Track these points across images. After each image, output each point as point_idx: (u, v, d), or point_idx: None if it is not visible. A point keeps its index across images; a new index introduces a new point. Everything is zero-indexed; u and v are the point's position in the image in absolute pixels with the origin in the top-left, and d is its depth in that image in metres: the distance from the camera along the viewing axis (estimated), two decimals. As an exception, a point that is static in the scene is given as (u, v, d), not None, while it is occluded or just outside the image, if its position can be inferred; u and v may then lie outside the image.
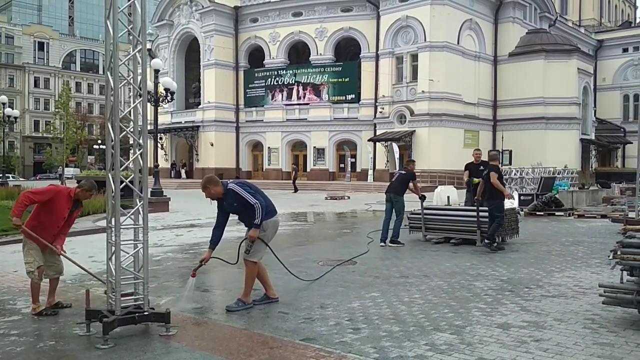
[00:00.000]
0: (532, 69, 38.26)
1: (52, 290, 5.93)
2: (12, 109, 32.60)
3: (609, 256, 6.73)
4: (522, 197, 17.53)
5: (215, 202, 5.77)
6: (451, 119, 36.42)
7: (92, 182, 5.93)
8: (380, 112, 38.57)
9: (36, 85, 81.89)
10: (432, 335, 4.81)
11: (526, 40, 40.08)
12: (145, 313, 4.93)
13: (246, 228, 5.84)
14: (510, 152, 35.98)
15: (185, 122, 45.74)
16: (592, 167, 43.00)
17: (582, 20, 56.18)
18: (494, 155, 10.64)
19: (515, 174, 20.56)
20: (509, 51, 39.73)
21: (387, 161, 37.65)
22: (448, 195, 15.89)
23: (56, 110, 41.97)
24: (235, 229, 8.99)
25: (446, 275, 7.49)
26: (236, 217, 5.94)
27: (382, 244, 10.23)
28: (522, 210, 15.07)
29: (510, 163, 33.59)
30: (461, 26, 37.18)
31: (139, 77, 4.96)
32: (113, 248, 4.87)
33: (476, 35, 38.69)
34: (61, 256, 5.96)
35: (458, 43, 36.90)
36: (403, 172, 10.99)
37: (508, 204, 15.54)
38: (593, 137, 43.91)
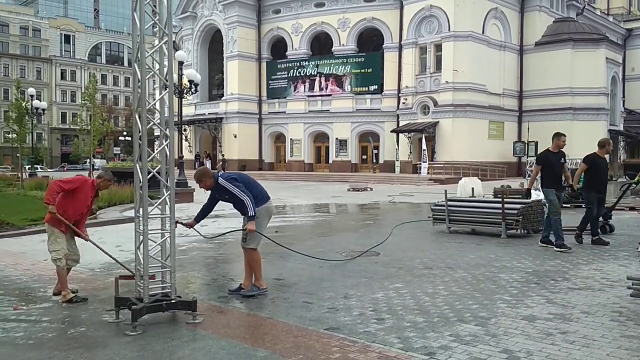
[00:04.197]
0: (559, 59, 37.53)
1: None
2: (40, 101, 33.24)
3: (637, 248, 6.62)
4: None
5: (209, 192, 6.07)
6: (476, 109, 35.98)
7: (110, 172, 6.49)
8: (404, 103, 38.30)
9: (63, 77, 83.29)
10: (457, 327, 4.81)
11: (553, 29, 39.30)
12: (173, 301, 5.03)
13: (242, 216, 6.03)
14: (536, 143, 35.36)
15: (209, 113, 46.06)
16: (620, 159, 42.12)
17: (610, 9, 54.84)
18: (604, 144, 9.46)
19: (541, 166, 20.24)
20: (535, 40, 39.01)
21: (410, 152, 37.42)
22: (472, 187, 15.72)
23: (83, 102, 42.58)
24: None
25: (470, 267, 7.44)
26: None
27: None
28: (548, 202, 14.85)
29: (536, 154, 33.07)
30: (486, 15, 36.61)
31: (165, 69, 5.03)
32: (141, 237, 4.96)
33: (502, 25, 38.07)
34: (85, 244, 6.21)
35: (483, 32, 36.37)
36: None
37: (534, 195, 15.38)
38: (621, 128, 42.97)
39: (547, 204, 9.15)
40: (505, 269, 7.30)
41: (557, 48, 37.80)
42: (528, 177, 20.69)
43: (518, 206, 10.19)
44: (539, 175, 9.14)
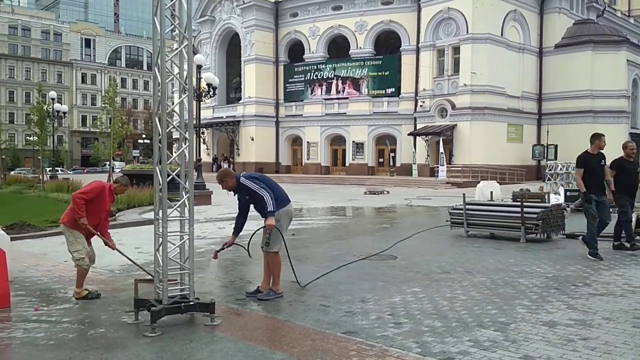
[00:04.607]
0: (579, 61, 37.07)
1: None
2: (61, 105, 33.77)
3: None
4: (568, 193, 17.02)
5: (233, 194, 6.05)
6: (494, 112, 35.69)
7: (127, 178, 6.71)
8: (421, 105, 38.14)
9: (83, 81, 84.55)
10: (476, 332, 4.76)
11: (573, 31, 38.84)
12: (191, 303, 5.06)
13: (263, 219, 6.02)
14: (556, 146, 35.01)
15: (227, 116, 46.35)
16: (641, 162, 41.38)
17: (631, 10, 54.03)
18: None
19: (561, 169, 20.00)
20: (554, 42, 38.59)
21: (427, 156, 37.24)
22: (491, 191, 15.58)
23: (103, 105, 43.16)
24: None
25: (489, 271, 7.38)
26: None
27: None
28: (568, 207, 14.65)
29: (555, 158, 32.70)
30: (505, 17, 36.32)
31: (185, 73, 5.07)
32: (160, 239, 5.00)
33: (520, 27, 37.73)
34: (103, 244, 6.34)
35: (502, 35, 36.08)
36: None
37: (553, 199, 15.19)
38: (643, 131, 42.24)
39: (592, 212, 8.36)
40: (525, 273, 7.21)
41: (577, 50, 37.34)
42: (548, 180, 20.44)
43: (538, 210, 10.08)
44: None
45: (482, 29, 34.86)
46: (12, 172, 49.24)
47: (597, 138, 8.58)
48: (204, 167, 28.08)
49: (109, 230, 6.50)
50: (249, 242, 6.27)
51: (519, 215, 10.01)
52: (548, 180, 20.38)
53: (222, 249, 6.03)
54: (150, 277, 6.24)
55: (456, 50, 36.34)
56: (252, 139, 44.32)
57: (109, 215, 6.53)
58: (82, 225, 5.99)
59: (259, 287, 6.15)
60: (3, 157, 53.03)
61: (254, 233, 6.29)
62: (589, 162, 8.39)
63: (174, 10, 5.20)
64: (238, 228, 6.07)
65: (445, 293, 6.16)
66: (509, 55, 36.55)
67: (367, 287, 6.50)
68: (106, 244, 6.29)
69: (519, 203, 10.33)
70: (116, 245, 6.35)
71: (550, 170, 20.62)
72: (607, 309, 5.46)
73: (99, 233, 6.21)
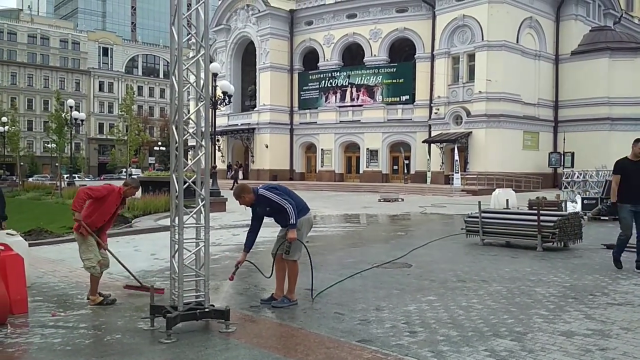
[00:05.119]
0: (596, 68, 36.74)
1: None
2: (79, 112, 34.22)
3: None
4: (585, 201, 16.83)
5: (249, 209, 6.00)
6: (510, 119, 35.46)
7: (137, 180, 6.84)
8: (436, 113, 38.03)
9: (101, 89, 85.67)
10: (492, 341, 4.72)
11: (589, 38, 38.53)
12: (206, 310, 5.08)
13: (280, 228, 6.03)
14: (573, 154, 34.66)
15: (242, 124, 46.61)
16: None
17: (649, 17, 53.41)
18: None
19: (578, 177, 19.78)
20: (571, 50, 38.30)
21: (442, 163, 37.08)
22: (507, 199, 15.45)
23: (120, 113, 43.67)
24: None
25: (505, 280, 7.31)
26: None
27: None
28: (585, 215, 14.48)
29: (572, 165, 32.35)
30: (520, 24, 36.14)
31: (202, 81, 5.12)
32: (176, 246, 5.03)
33: (536, 34, 37.52)
34: (120, 252, 6.40)
35: (517, 42, 35.89)
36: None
37: (570, 207, 15.01)
38: (662, 139, 41.59)
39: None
40: (542, 282, 7.14)
41: (594, 57, 37.02)
42: (564, 188, 20.22)
43: (554, 218, 9.96)
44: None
45: (497, 36, 34.73)
46: (30, 179, 50.00)
47: (634, 143, 7.90)
48: (219, 174, 28.25)
49: (124, 240, 6.57)
50: (273, 266, 6.18)
51: (536, 223, 9.91)
52: (565, 188, 20.16)
53: (237, 268, 5.99)
54: (139, 284, 6.38)
55: (471, 57, 36.22)
56: (267, 147, 44.49)
57: (113, 219, 6.55)
58: (75, 221, 6.01)
59: (273, 294, 6.15)
60: (22, 164, 53.86)
61: (275, 252, 6.20)
62: (626, 169, 7.79)
63: (190, 19, 5.26)
64: (250, 244, 5.98)
65: (461, 302, 6.11)
66: (524, 63, 36.34)
67: (382, 295, 6.48)
68: (99, 244, 6.29)
69: (536, 211, 10.22)
70: (123, 253, 6.46)
71: (567, 178, 20.40)
72: (625, 318, 5.38)
73: (92, 232, 6.17)
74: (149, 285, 6.01)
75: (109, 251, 6.36)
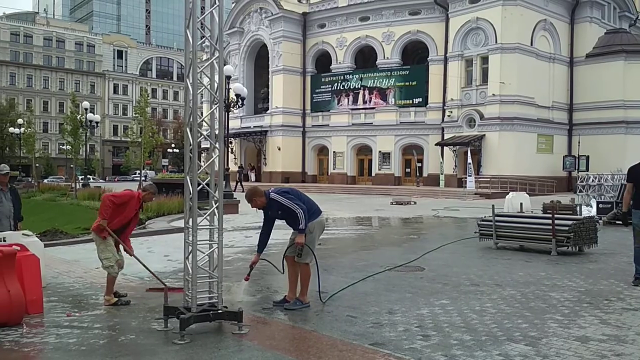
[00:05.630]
0: (611, 71, 36.36)
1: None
2: (94, 114, 34.53)
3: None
4: (600, 205, 16.66)
5: (261, 211, 6.04)
6: (523, 122, 35.20)
7: (155, 186, 6.91)
8: (449, 115, 37.86)
9: (115, 91, 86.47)
10: (506, 346, 4.68)
11: (605, 41, 38.15)
12: (220, 311, 5.10)
13: (292, 230, 6.03)
14: (587, 157, 34.31)
15: (254, 126, 46.75)
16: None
17: (666, 19, 52.74)
18: None
19: (593, 181, 19.59)
20: (586, 52, 37.95)
21: (455, 166, 36.90)
22: (521, 202, 15.34)
23: (134, 115, 44.03)
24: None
25: (519, 284, 7.25)
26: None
27: None
28: (600, 219, 14.33)
29: (587, 169, 32.04)
30: (535, 27, 35.88)
31: (215, 84, 5.15)
32: (190, 248, 5.06)
33: (551, 36, 37.23)
34: (124, 253, 6.52)
35: (531, 44, 35.63)
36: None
37: (585, 211, 14.85)
38: (679, 142, 41.07)
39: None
40: (556, 287, 7.07)
41: (609, 60, 36.65)
42: (579, 192, 20.04)
43: (569, 222, 9.86)
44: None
45: (511, 38, 34.52)
46: (45, 180, 50.56)
47: None
48: (231, 177, 28.37)
49: (138, 241, 6.64)
50: (283, 263, 6.21)
51: (550, 227, 9.82)
52: (579, 192, 19.97)
53: (251, 269, 6.06)
54: (163, 285, 6.42)
55: (485, 60, 36.03)
56: (279, 149, 44.58)
57: (133, 223, 6.66)
58: (100, 227, 6.12)
59: (285, 296, 6.17)
60: (37, 165, 54.50)
61: (285, 252, 6.23)
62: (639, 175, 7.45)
63: (204, 22, 5.29)
64: (262, 245, 6.05)
65: (475, 306, 6.08)
66: (538, 65, 36.07)
67: (395, 298, 6.46)
68: (125, 249, 6.42)
69: (550, 215, 10.13)
70: (139, 255, 6.49)
71: (582, 181, 20.21)
72: (642, 324, 5.32)
73: (117, 237, 6.31)
74: (171, 286, 6.08)
75: (134, 256, 6.44)
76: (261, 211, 6.03)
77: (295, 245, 5.87)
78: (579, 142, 36.15)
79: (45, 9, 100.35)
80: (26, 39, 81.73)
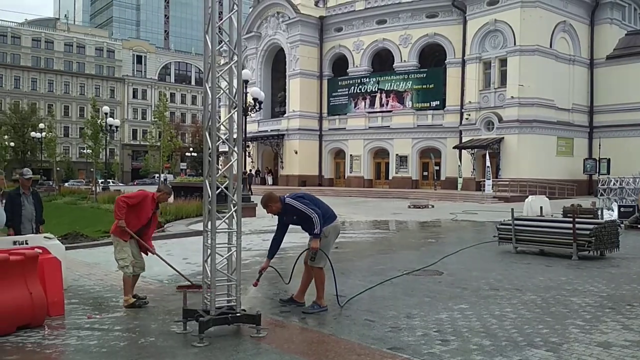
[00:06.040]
0: (632, 73, 35.77)
1: (133, 285, 6.48)
2: (114, 119, 34.96)
3: None
4: (622, 209, 16.39)
5: (276, 217, 6.07)
6: (543, 125, 34.80)
7: (169, 186, 7.10)
8: (467, 118, 37.59)
9: (134, 96, 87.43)
10: (526, 351, 4.63)
11: (626, 42, 37.60)
12: (238, 314, 5.12)
13: (309, 236, 6.04)
14: (609, 160, 33.79)
15: (271, 130, 46.94)
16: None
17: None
18: None
19: (614, 184, 19.29)
20: (606, 54, 37.43)
21: (473, 169, 36.61)
22: (541, 206, 15.16)
23: (153, 120, 44.49)
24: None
25: (540, 289, 7.16)
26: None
27: None
28: (622, 223, 14.10)
29: (608, 172, 31.54)
30: (554, 29, 35.50)
31: (234, 88, 5.18)
32: (209, 251, 5.09)
33: (570, 38, 36.79)
34: (152, 256, 6.58)
35: (550, 46, 35.25)
36: None
37: (607, 215, 14.65)
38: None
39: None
40: (578, 292, 6.97)
41: (630, 61, 36.08)
42: (600, 195, 19.75)
43: (591, 226, 9.73)
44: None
45: (530, 40, 34.19)
46: (66, 184, 51.30)
47: None
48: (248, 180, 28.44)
49: (157, 244, 6.71)
50: (292, 273, 6.23)
51: (571, 231, 9.69)
52: (601, 195, 19.68)
53: (261, 275, 6.09)
54: (189, 282, 6.48)
55: (503, 62, 35.71)
56: (296, 152, 44.67)
57: (153, 223, 6.70)
58: (120, 228, 6.19)
59: (292, 295, 6.21)
60: (58, 169, 55.32)
61: (296, 261, 6.29)
62: None
63: (223, 27, 5.33)
64: (273, 251, 6.09)
65: (494, 311, 6.02)
66: (558, 67, 35.66)
67: (413, 302, 6.43)
68: (147, 248, 6.48)
69: (571, 219, 10.00)
70: (162, 255, 6.54)
71: (603, 185, 19.91)
72: (666, 331, 5.22)
73: (138, 237, 6.38)
74: (199, 283, 6.10)
75: (157, 255, 6.51)
76: (276, 216, 6.07)
77: (310, 249, 5.89)
78: (599, 145, 35.64)
79: (66, 15, 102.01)
80: (47, 44, 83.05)
